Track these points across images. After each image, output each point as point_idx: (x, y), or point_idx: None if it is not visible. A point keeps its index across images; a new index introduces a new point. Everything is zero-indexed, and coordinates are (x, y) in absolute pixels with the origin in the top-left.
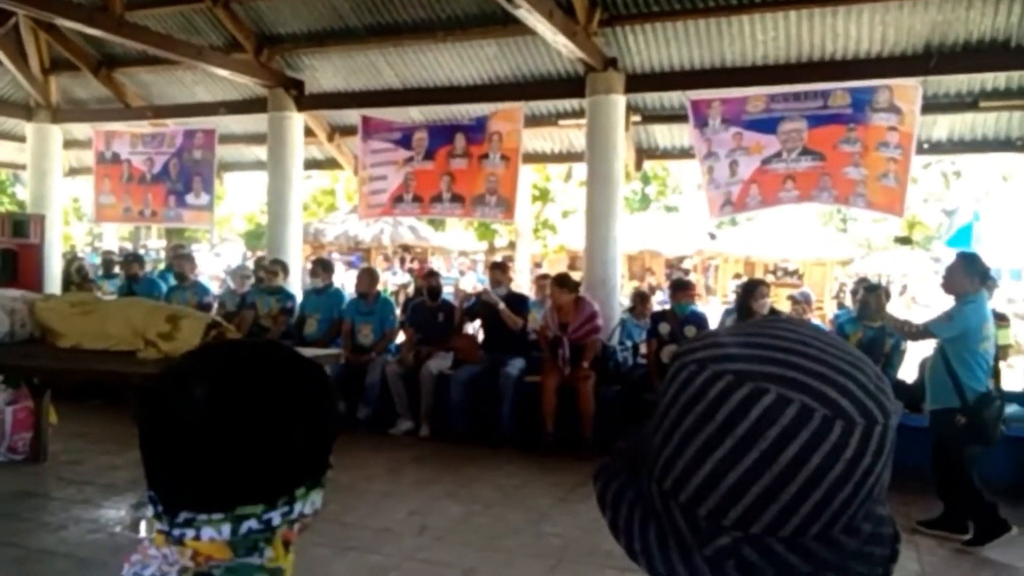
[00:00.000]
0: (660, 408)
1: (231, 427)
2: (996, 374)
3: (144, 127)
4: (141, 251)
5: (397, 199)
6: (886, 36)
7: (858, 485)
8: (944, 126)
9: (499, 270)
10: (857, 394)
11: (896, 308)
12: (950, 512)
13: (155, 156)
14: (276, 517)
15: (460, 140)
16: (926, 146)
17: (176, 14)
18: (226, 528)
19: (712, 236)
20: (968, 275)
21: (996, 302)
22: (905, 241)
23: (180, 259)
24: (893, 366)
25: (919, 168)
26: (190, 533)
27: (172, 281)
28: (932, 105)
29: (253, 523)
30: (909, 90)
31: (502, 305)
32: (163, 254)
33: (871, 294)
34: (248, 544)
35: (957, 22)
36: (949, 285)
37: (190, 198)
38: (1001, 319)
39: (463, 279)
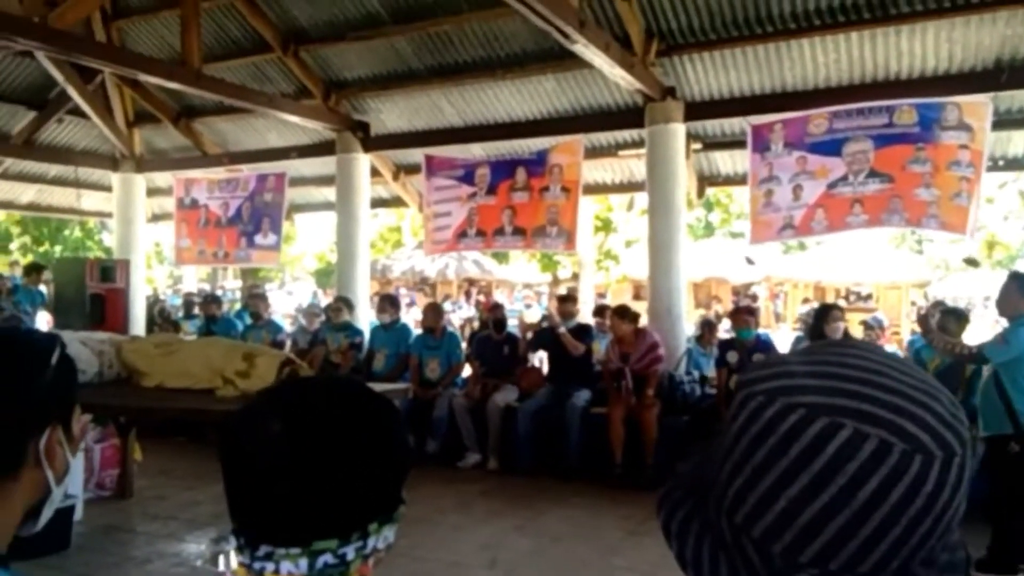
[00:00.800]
0: (728, 437)
1: (306, 462)
2: None
3: (220, 173)
4: (219, 292)
5: (461, 234)
6: (953, 53)
7: (937, 519)
8: (1019, 142)
9: (568, 302)
10: (935, 426)
11: (980, 332)
12: (999, 548)
13: (230, 200)
14: (350, 552)
15: (521, 174)
16: (1001, 163)
17: (248, 65)
18: (303, 562)
19: (750, 261)
20: (1022, 295)
21: None
22: (973, 263)
23: (255, 299)
24: (974, 392)
25: (995, 187)
26: (270, 567)
27: (248, 320)
28: (1005, 121)
29: (329, 558)
30: (979, 107)
31: (563, 328)
32: (239, 294)
33: (948, 317)
34: None
35: None
36: (1003, 307)
37: (259, 238)
38: None
39: (528, 312)
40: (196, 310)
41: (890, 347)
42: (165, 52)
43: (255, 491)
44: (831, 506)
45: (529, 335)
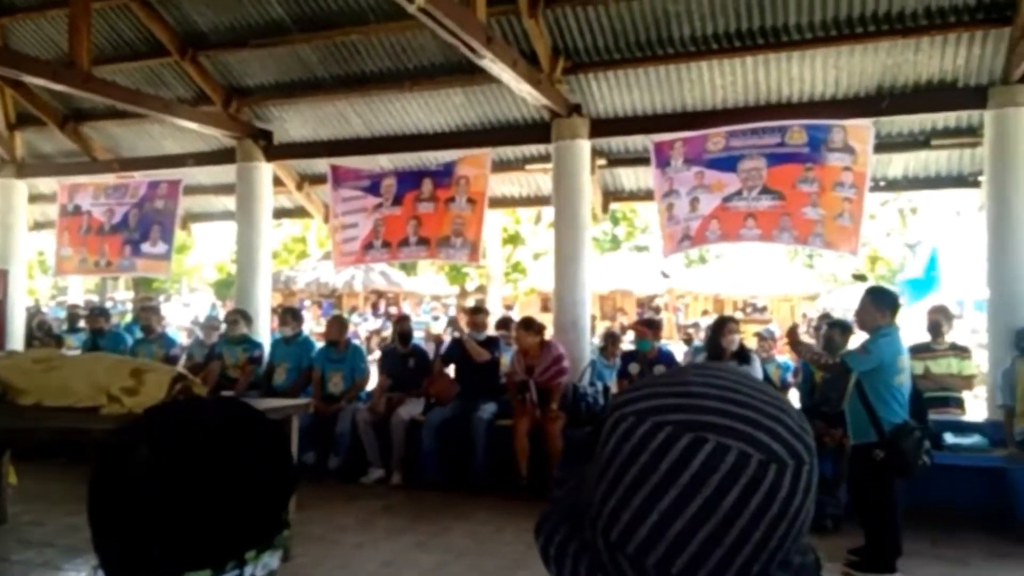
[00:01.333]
0: (602, 459)
1: (174, 489)
2: (921, 407)
3: (110, 179)
4: (108, 304)
5: (368, 246)
6: (839, 79)
7: (792, 522)
8: (899, 164)
9: (479, 314)
10: (786, 437)
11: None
12: (874, 549)
13: (116, 207)
14: None
15: (427, 185)
16: (882, 183)
17: (143, 68)
18: None
19: (665, 275)
20: (879, 308)
21: (959, 334)
22: (860, 278)
23: (146, 311)
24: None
25: (877, 205)
26: None
27: (138, 334)
28: (886, 144)
29: None
30: (862, 130)
31: (467, 335)
32: (130, 306)
33: (834, 329)
34: None
35: (906, 64)
36: (861, 320)
37: (146, 247)
38: (962, 350)
39: (435, 324)
40: (81, 323)
41: (781, 357)
42: (52, 52)
43: (120, 519)
44: (698, 516)
45: (442, 348)
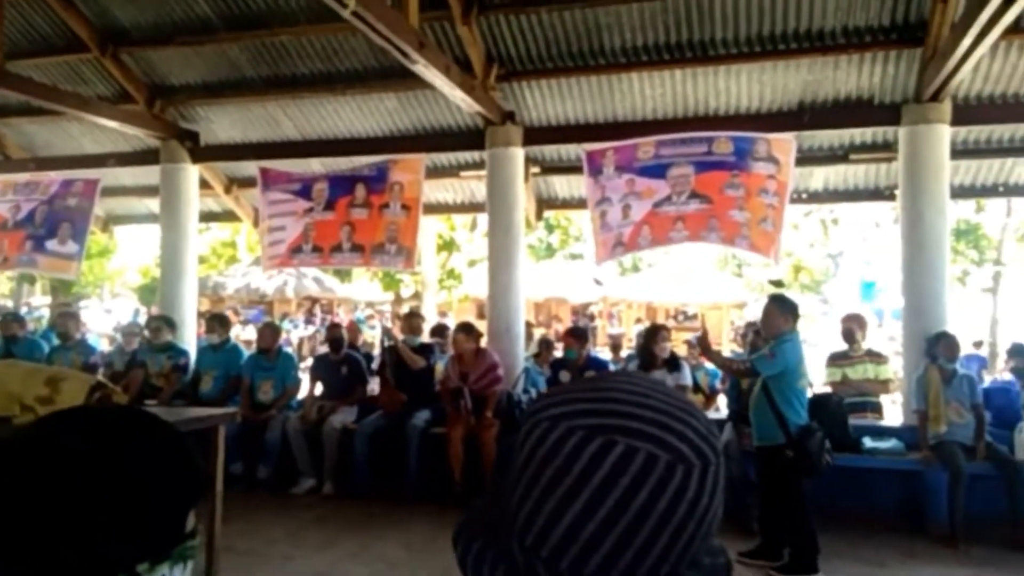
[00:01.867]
0: (517, 465)
1: (60, 498)
2: (831, 410)
3: (22, 177)
4: (23, 310)
5: (296, 249)
6: (763, 94)
7: (699, 522)
8: (819, 177)
9: (414, 319)
10: (693, 439)
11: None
12: (768, 542)
13: (23, 203)
14: None
15: (361, 190)
16: (804, 195)
17: (61, 64)
18: None
19: (598, 283)
20: (782, 314)
21: (876, 340)
22: (778, 284)
23: (63, 317)
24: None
25: (800, 216)
26: None
27: (55, 341)
28: (807, 157)
29: None
30: (785, 143)
31: (400, 341)
32: (48, 312)
33: (759, 336)
34: None
35: (826, 81)
36: (766, 326)
37: (51, 244)
38: (878, 356)
39: (370, 331)
40: None
41: (711, 364)
42: None
43: (5, 533)
44: (608, 518)
45: (374, 360)
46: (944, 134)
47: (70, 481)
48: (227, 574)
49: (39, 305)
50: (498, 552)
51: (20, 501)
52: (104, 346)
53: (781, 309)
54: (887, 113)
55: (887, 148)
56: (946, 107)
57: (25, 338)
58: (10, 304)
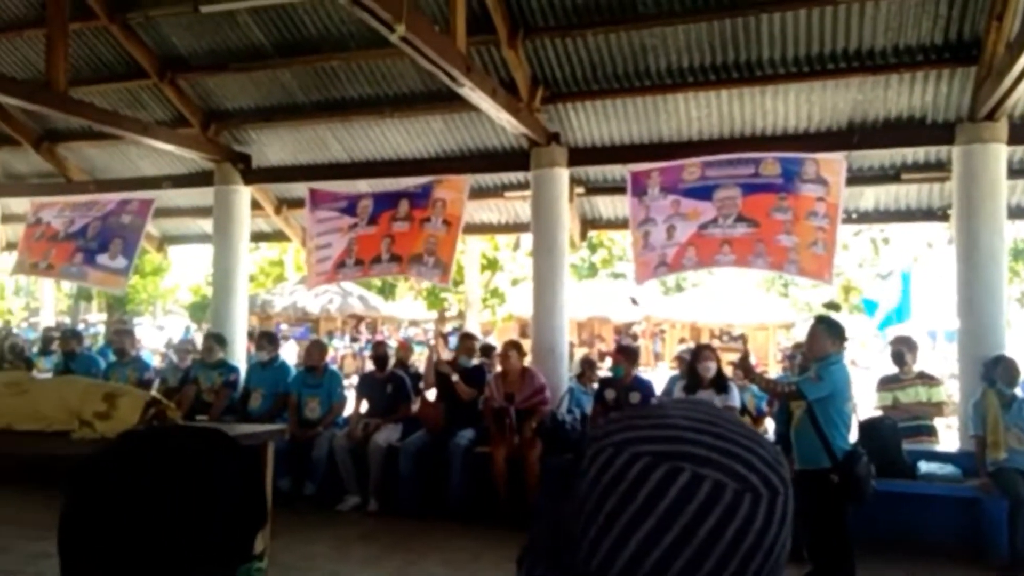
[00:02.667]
0: (581, 490)
1: (139, 516)
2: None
3: (82, 198)
4: (80, 326)
5: (340, 264)
6: (812, 114)
7: (767, 553)
8: (870, 197)
9: (467, 341)
10: (760, 468)
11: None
12: (819, 570)
13: (78, 219)
14: None
15: (404, 205)
16: (854, 215)
17: (121, 90)
18: None
19: (634, 301)
20: (829, 336)
21: (928, 363)
22: (833, 307)
23: (119, 334)
24: None
25: (850, 235)
26: None
27: (112, 357)
28: (858, 177)
29: None
30: (834, 163)
31: (455, 377)
32: (103, 328)
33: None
34: None
35: (877, 101)
36: (812, 349)
37: (102, 258)
38: (930, 379)
39: (419, 349)
40: (55, 346)
41: None
42: (28, 72)
43: (84, 548)
44: (674, 546)
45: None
46: (1001, 153)
47: (155, 497)
48: None
49: (95, 322)
50: None
51: (110, 514)
52: (157, 362)
53: (828, 331)
54: (940, 132)
55: (940, 168)
56: (1002, 126)
57: (83, 354)
58: (68, 321)
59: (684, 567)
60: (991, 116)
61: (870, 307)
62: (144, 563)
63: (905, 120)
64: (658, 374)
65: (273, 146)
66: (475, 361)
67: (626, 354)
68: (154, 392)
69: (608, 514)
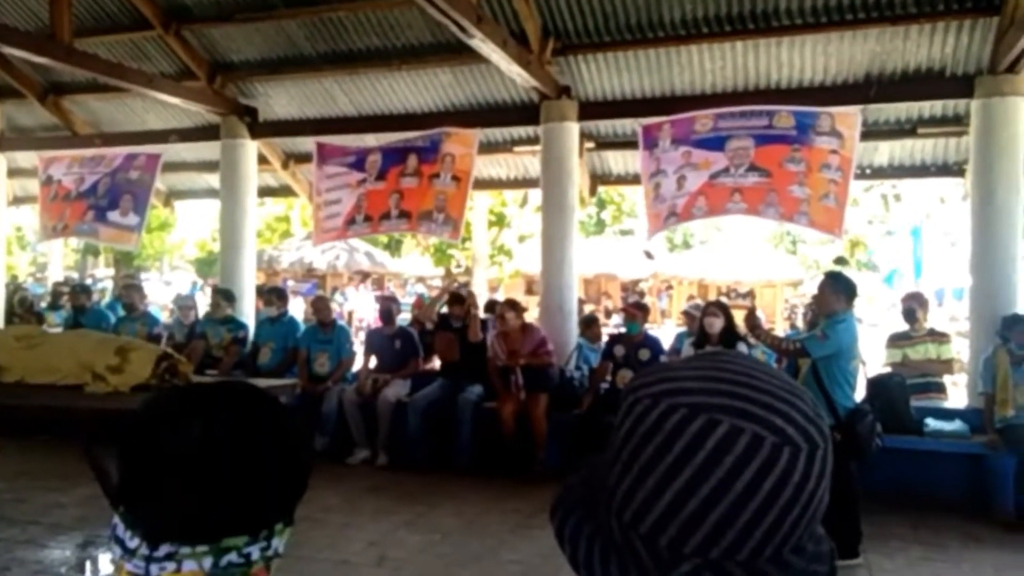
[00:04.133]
0: (616, 441)
1: (224, 462)
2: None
3: (88, 151)
4: (87, 281)
5: (350, 221)
6: (828, 65)
7: (805, 506)
8: (885, 151)
9: (457, 306)
10: (800, 421)
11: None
12: (837, 535)
13: (87, 175)
14: (255, 551)
15: (412, 160)
16: (868, 171)
17: (126, 41)
18: (208, 561)
19: (649, 255)
20: (836, 293)
21: (938, 320)
22: (842, 262)
23: (129, 289)
24: None
25: (860, 191)
26: (170, 567)
27: (121, 312)
28: (872, 131)
29: (234, 556)
30: (849, 117)
31: (475, 312)
32: (110, 283)
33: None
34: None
35: (895, 52)
36: (820, 305)
37: (113, 215)
38: (941, 335)
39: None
40: (64, 300)
41: None
42: (32, 24)
43: (165, 490)
44: (711, 497)
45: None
46: (1020, 107)
47: (244, 445)
48: (287, 539)
49: (102, 277)
50: (595, 526)
51: (205, 459)
52: (164, 318)
53: (835, 288)
54: (959, 85)
55: (957, 122)
56: (1023, 79)
57: (93, 308)
58: (75, 276)
59: (721, 518)
60: (1012, 69)
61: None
62: (233, 511)
63: (923, 72)
64: (665, 331)
65: (280, 99)
66: (462, 323)
67: (641, 309)
68: (164, 347)
69: (643, 465)
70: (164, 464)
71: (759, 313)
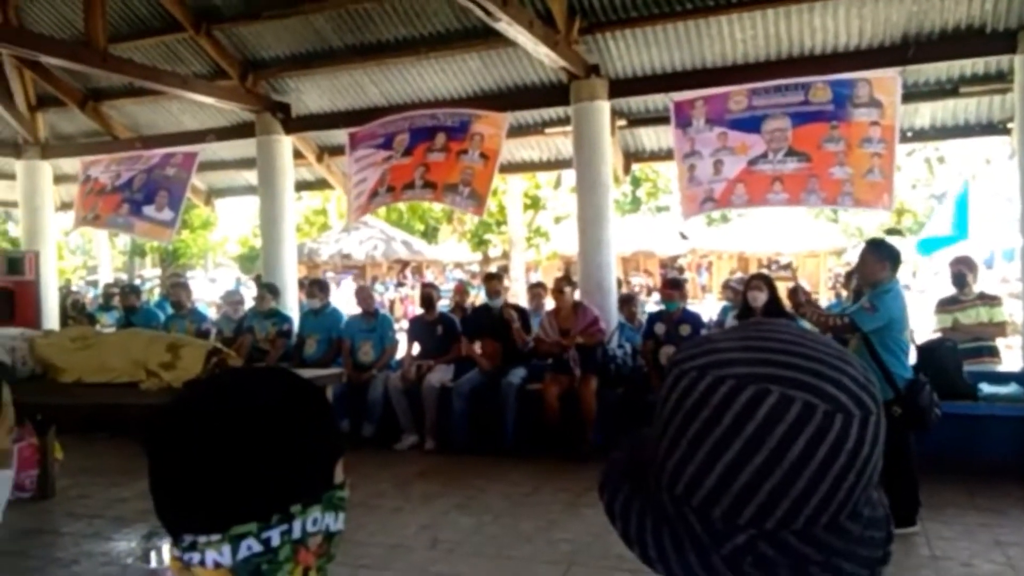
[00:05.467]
0: (663, 415)
1: (221, 446)
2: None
3: (128, 153)
4: (137, 281)
5: (373, 194)
6: (863, 28)
7: (859, 473)
8: (926, 113)
9: (495, 280)
10: (851, 387)
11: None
12: (895, 505)
13: (124, 172)
14: (275, 536)
15: (441, 137)
16: (909, 134)
17: (159, 45)
18: (226, 550)
19: (684, 236)
20: (879, 261)
21: (988, 283)
22: (894, 232)
23: (176, 287)
24: None
25: (903, 156)
26: (195, 557)
27: (169, 310)
28: (913, 93)
29: (252, 542)
30: (888, 81)
31: (517, 324)
32: (158, 283)
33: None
34: (251, 569)
35: (932, 11)
36: (863, 275)
37: (148, 210)
38: (992, 299)
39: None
40: (115, 301)
41: None
42: (68, 32)
43: (174, 478)
44: (764, 468)
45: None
46: None
47: (241, 429)
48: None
49: (150, 277)
50: (644, 501)
51: (201, 448)
52: (212, 314)
53: (879, 255)
54: (1001, 42)
55: (1001, 78)
56: None
57: (142, 308)
58: (124, 276)
59: (774, 489)
60: None
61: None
62: (234, 498)
63: (963, 30)
64: (705, 306)
65: (311, 94)
66: (500, 300)
67: (677, 287)
68: (213, 342)
69: (692, 439)
70: (166, 453)
71: (803, 285)
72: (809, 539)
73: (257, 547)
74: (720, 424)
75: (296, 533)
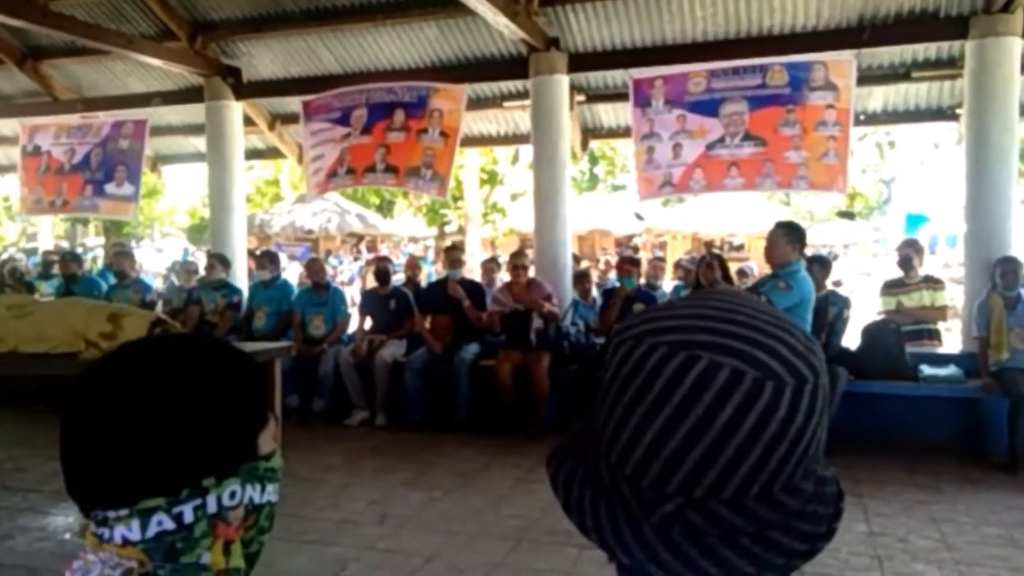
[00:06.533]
0: (603, 386)
1: (125, 417)
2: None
3: (73, 120)
4: (78, 250)
5: (331, 174)
6: (821, 10)
7: (793, 443)
8: (879, 97)
9: (453, 253)
10: (786, 355)
11: (842, 278)
12: None
13: (77, 147)
14: (187, 512)
15: (399, 115)
16: (862, 117)
17: (103, 2)
18: (135, 525)
19: (639, 217)
20: (790, 242)
21: (931, 267)
22: (847, 215)
23: (119, 257)
24: (837, 333)
25: (854, 140)
26: (106, 533)
27: (112, 280)
28: (866, 77)
29: (163, 518)
30: (844, 64)
31: (467, 303)
32: (101, 252)
33: (814, 264)
34: (164, 547)
35: None
36: (773, 255)
37: (110, 187)
38: (935, 282)
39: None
40: (55, 269)
41: None
42: None
43: (80, 451)
44: (691, 435)
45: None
46: (1015, 47)
47: (143, 403)
48: (288, 498)
49: (93, 245)
50: (586, 473)
51: (100, 425)
52: (158, 285)
53: (789, 237)
54: (953, 27)
55: (952, 64)
56: (1018, 18)
57: (84, 276)
58: (66, 245)
59: (701, 457)
60: (1006, 8)
61: (913, 223)
62: (140, 471)
63: (918, 14)
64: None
65: (263, 59)
66: (460, 273)
67: (634, 264)
68: (157, 312)
69: (626, 406)
70: (70, 425)
71: (750, 267)
72: (739, 509)
73: (169, 523)
74: (651, 391)
75: (211, 507)
